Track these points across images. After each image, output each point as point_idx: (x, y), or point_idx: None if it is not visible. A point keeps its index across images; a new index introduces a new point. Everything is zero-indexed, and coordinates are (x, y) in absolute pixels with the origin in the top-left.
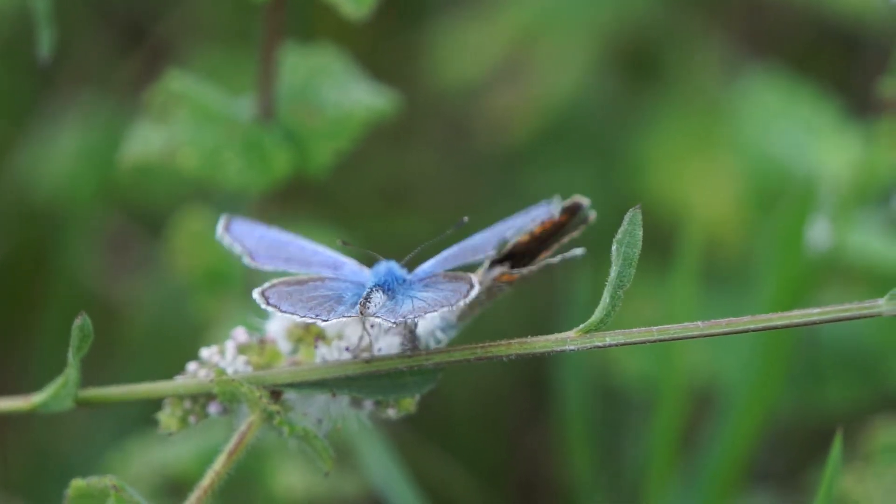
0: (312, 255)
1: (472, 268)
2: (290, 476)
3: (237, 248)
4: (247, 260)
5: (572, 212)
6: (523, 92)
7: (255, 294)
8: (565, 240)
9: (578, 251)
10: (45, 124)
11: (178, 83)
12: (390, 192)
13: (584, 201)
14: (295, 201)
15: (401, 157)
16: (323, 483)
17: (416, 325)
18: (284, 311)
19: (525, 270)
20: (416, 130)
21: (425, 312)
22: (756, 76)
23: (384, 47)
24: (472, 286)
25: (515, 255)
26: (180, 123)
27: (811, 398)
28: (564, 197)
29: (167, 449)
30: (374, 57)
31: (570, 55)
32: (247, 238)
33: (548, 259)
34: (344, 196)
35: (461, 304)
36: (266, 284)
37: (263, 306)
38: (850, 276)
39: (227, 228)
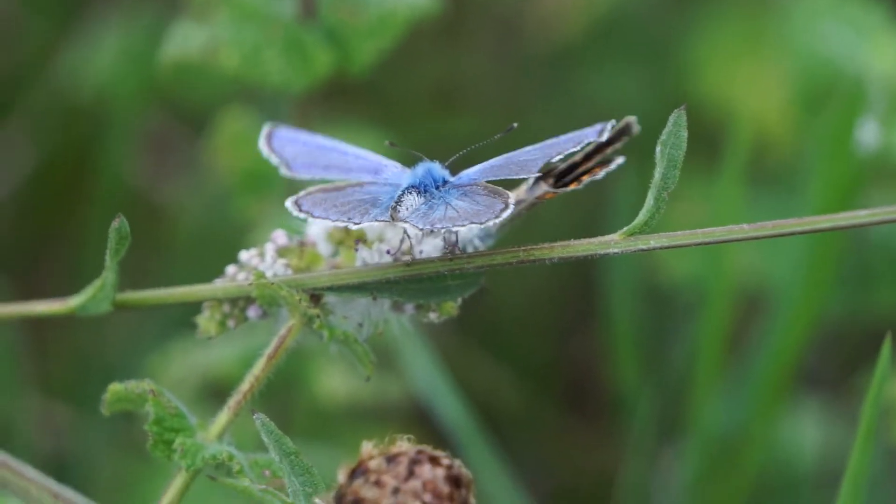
0: (354, 160)
1: (515, 182)
2: (333, 380)
3: (275, 159)
4: (284, 170)
5: (622, 132)
6: None
7: (288, 203)
8: (608, 150)
9: (620, 160)
10: (90, 24)
11: None
12: (440, 92)
13: (633, 122)
14: (344, 101)
15: (451, 57)
16: (366, 387)
17: (455, 233)
18: (317, 217)
19: (569, 189)
20: (465, 30)
21: (454, 224)
22: None
23: None
24: (506, 206)
25: (567, 174)
26: (221, 22)
27: (862, 301)
28: (613, 102)
29: (209, 352)
30: None
31: None
32: (287, 148)
33: (592, 177)
34: (394, 97)
35: (491, 223)
36: (301, 193)
37: (295, 213)
38: None
39: (268, 138)
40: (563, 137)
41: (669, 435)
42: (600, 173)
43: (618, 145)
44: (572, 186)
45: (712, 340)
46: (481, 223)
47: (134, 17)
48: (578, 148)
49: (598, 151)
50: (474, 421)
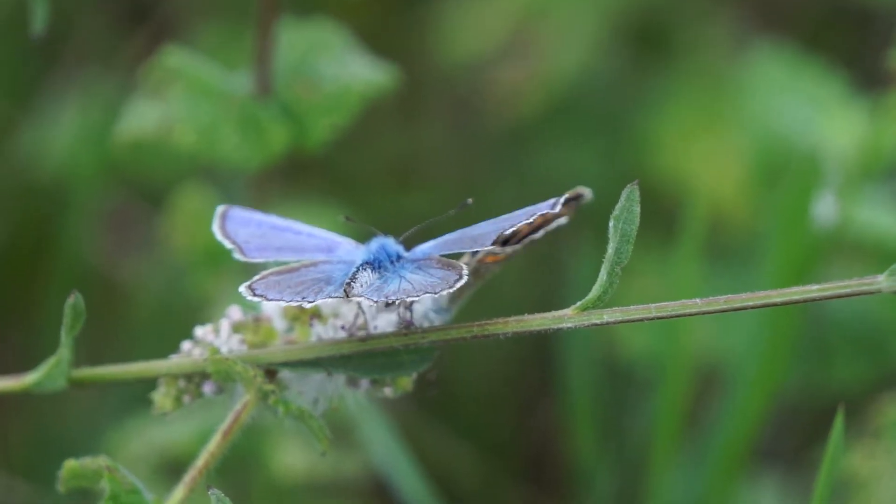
0: (307, 239)
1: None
2: (290, 455)
3: (228, 244)
4: (238, 255)
5: (572, 200)
6: (530, 68)
7: (242, 288)
8: (553, 225)
9: (561, 221)
10: (48, 102)
11: (175, 59)
12: (399, 168)
13: (587, 192)
14: (301, 178)
15: (409, 133)
16: (323, 462)
17: (409, 304)
18: (271, 299)
19: (509, 249)
20: (424, 107)
21: (408, 296)
22: (762, 50)
23: (393, 23)
24: (460, 277)
25: (511, 239)
26: (176, 99)
27: (818, 375)
28: (569, 178)
29: (167, 429)
30: (382, 32)
31: (577, 30)
32: (240, 231)
33: (531, 237)
34: (353, 173)
35: (445, 292)
36: (256, 277)
37: (250, 297)
38: (857, 252)
39: (222, 221)
40: (516, 212)
41: None
42: (539, 233)
43: (565, 211)
44: (511, 248)
45: (669, 414)
46: (435, 293)
47: (91, 93)
48: (531, 220)
49: (545, 219)
50: (433, 495)
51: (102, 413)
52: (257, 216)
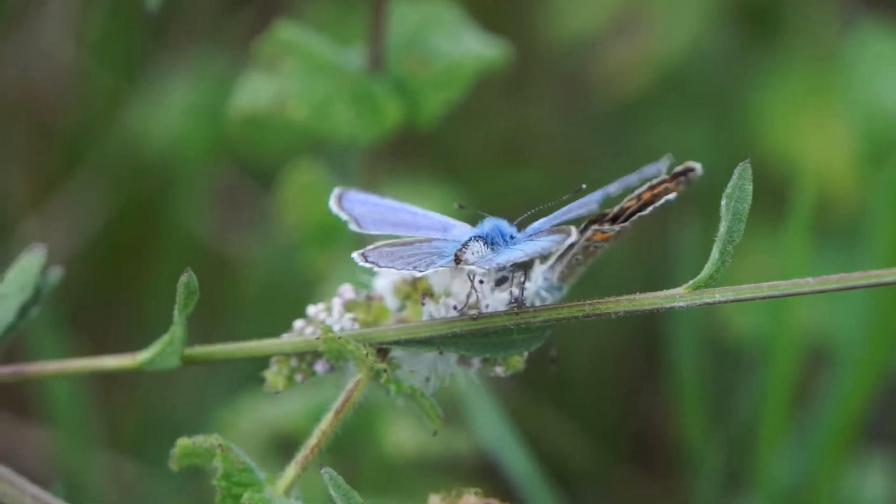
0: (423, 219)
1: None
2: (401, 434)
3: (344, 217)
4: (353, 226)
5: (680, 175)
6: (639, 45)
7: (355, 255)
8: (662, 201)
9: (669, 196)
10: (158, 79)
11: (288, 33)
12: (506, 146)
13: (697, 166)
14: (411, 156)
15: (517, 110)
16: (433, 441)
17: (521, 282)
18: (382, 267)
19: (617, 227)
20: (532, 84)
21: (519, 259)
22: (870, 28)
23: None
24: (569, 235)
25: (620, 217)
26: (290, 74)
27: None
28: (678, 156)
29: (278, 406)
30: (491, 8)
31: (685, 7)
32: (356, 207)
33: (640, 214)
34: (460, 150)
35: (555, 249)
36: (369, 246)
37: (361, 263)
38: None
39: (339, 199)
40: (623, 178)
41: (736, 489)
42: (647, 210)
43: (675, 187)
44: (620, 225)
45: (777, 394)
46: (545, 252)
47: (201, 68)
48: (638, 181)
49: (653, 195)
50: (541, 475)
51: (210, 392)
52: (373, 198)
